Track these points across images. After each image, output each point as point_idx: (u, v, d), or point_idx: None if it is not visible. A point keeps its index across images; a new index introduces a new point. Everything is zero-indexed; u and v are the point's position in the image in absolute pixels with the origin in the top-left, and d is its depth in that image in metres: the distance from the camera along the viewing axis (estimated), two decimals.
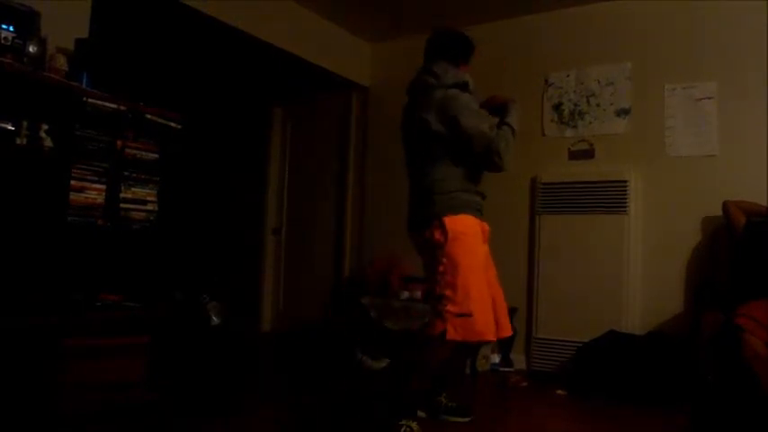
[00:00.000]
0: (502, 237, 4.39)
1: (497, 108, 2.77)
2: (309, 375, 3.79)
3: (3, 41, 2.56)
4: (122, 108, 2.93)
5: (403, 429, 2.48)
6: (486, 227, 2.70)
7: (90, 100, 2.80)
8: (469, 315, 2.42)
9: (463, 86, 2.67)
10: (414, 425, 2.51)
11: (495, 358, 4.21)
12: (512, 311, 4.23)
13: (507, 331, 2.65)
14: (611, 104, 4.15)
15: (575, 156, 4.25)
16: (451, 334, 2.42)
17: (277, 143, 5.77)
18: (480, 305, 2.46)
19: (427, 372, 2.62)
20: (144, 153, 3.08)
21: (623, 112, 4.11)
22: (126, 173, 3.00)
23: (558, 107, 4.35)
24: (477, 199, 2.67)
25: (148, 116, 3.08)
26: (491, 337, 2.52)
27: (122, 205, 2.99)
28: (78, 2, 3.09)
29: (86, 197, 2.81)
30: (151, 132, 3.09)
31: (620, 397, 3.26)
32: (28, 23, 2.68)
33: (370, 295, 4.36)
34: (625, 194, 3.91)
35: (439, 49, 2.75)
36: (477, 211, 2.65)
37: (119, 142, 2.96)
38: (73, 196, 2.77)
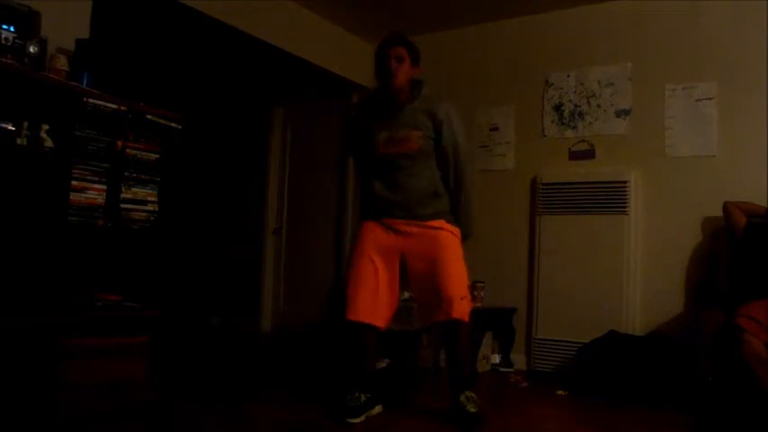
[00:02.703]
0: (502, 237, 4.43)
1: None
2: (309, 375, 3.79)
3: (3, 42, 2.56)
4: (123, 108, 2.93)
5: (354, 398, 2.70)
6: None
7: (90, 100, 2.80)
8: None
9: None
10: (362, 396, 2.73)
11: (496, 359, 4.21)
12: (511, 311, 4.27)
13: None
14: (612, 105, 4.15)
15: (575, 156, 4.25)
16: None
17: (277, 143, 5.77)
18: None
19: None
20: (144, 153, 3.08)
21: (623, 113, 4.11)
22: (126, 173, 3.00)
23: (558, 108, 4.35)
24: None
25: (149, 116, 3.08)
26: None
27: (123, 205, 2.99)
28: (78, 2, 3.09)
29: (87, 197, 2.81)
30: (151, 132, 3.09)
31: (621, 397, 3.26)
32: (28, 24, 2.68)
33: None
34: (625, 195, 3.91)
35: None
36: None
37: (119, 142, 2.96)
38: (73, 196, 2.77)
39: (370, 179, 2.85)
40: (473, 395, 2.73)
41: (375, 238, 2.79)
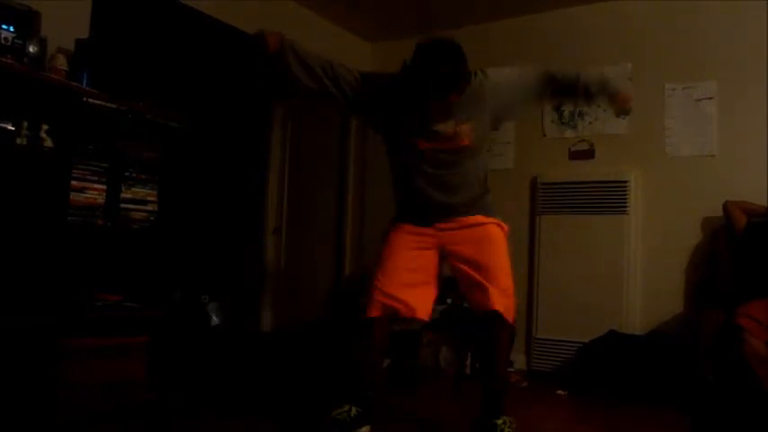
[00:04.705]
0: None
1: None
2: (310, 376, 3.79)
3: (3, 41, 2.56)
4: (123, 108, 2.93)
5: (342, 412, 2.33)
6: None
7: (90, 100, 2.81)
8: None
9: None
10: (353, 410, 2.35)
11: None
12: None
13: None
14: None
15: (575, 156, 4.25)
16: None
17: (277, 142, 5.76)
18: None
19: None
20: (144, 153, 3.08)
21: (623, 113, 4.11)
22: (126, 173, 3.01)
23: (558, 107, 4.34)
24: None
25: (148, 116, 3.08)
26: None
27: (122, 205, 3.00)
28: (78, 2, 3.09)
29: (87, 197, 2.82)
30: (151, 132, 3.10)
31: (621, 397, 3.26)
32: (28, 23, 2.69)
33: None
34: (625, 195, 3.91)
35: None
36: None
37: (119, 142, 2.97)
38: (73, 196, 2.78)
39: (406, 175, 2.45)
40: (511, 420, 2.36)
41: (408, 232, 2.46)
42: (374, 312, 2.39)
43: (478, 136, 2.43)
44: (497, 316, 2.34)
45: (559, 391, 3.49)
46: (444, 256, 2.48)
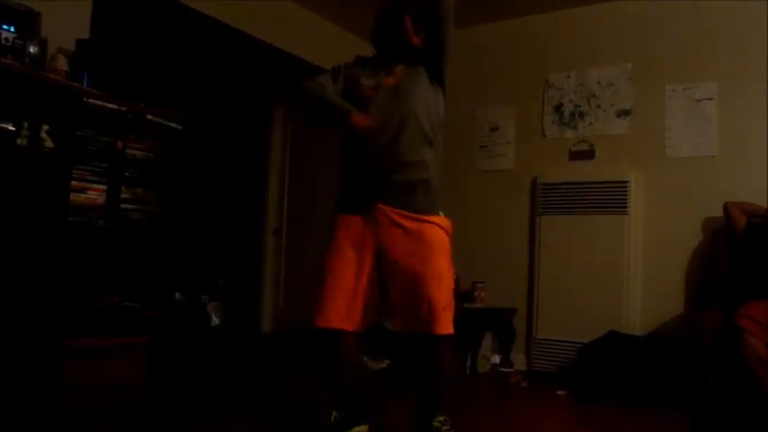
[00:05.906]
0: (502, 237, 4.43)
1: None
2: (310, 376, 3.79)
3: (3, 42, 2.56)
4: (123, 108, 2.93)
5: (331, 415, 2.33)
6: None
7: (90, 100, 2.81)
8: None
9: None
10: (335, 414, 2.34)
11: (496, 359, 4.21)
12: (511, 312, 4.27)
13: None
14: (612, 105, 4.15)
15: (575, 156, 4.25)
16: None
17: (278, 141, 5.76)
18: None
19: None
20: (144, 153, 3.08)
21: (624, 113, 4.11)
22: (126, 173, 3.00)
23: (558, 108, 4.35)
24: None
25: (149, 116, 3.08)
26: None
27: (122, 205, 3.00)
28: (79, 2, 3.09)
29: (87, 197, 2.82)
30: (152, 133, 3.10)
31: (621, 398, 3.26)
32: (28, 24, 2.69)
33: None
34: (625, 195, 3.91)
35: None
36: None
37: (119, 143, 2.97)
38: (73, 197, 2.78)
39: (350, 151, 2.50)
40: (446, 419, 2.29)
41: (350, 231, 2.45)
42: (322, 324, 2.30)
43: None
44: (441, 337, 2.23)
45: (559, 392, 3.49)
46: (379, 253, 2.34)
